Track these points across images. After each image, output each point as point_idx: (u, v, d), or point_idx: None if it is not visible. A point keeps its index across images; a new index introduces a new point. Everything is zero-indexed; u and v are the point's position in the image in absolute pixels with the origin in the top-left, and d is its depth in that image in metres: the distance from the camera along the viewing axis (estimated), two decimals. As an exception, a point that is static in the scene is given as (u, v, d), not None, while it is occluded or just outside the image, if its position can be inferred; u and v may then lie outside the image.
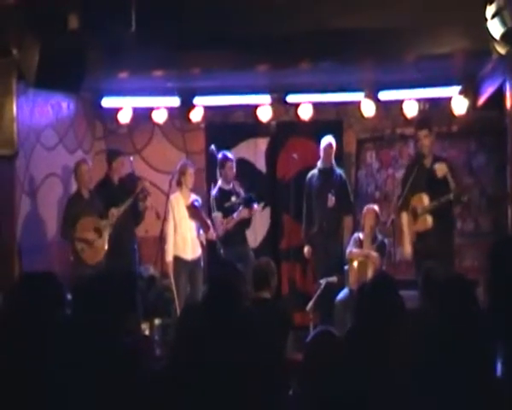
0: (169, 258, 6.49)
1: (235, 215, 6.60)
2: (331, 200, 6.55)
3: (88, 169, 6.39)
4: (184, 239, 6.53)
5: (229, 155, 6.78)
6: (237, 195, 6.70)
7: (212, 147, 6.85)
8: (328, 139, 6.79)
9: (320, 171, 6.79)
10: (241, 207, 6.63)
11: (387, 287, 3.18)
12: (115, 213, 6.30)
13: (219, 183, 6.76)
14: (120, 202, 6.38)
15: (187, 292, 6.48)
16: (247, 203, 6.62)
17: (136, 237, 6.73)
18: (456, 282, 3.25)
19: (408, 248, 5.97)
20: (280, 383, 3.12)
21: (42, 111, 6.63)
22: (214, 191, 6.73)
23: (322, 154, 6.79)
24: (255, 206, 6.68)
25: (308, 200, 6.79)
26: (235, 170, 6.72)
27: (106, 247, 6.26)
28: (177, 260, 6.49)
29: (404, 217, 6.02)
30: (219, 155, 6.76)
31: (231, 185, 6.74)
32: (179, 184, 6.63)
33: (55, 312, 2.70)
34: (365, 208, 6.55)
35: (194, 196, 6.72)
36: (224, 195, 6.68)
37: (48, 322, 2.66)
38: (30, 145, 6.40)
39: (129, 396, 2.65)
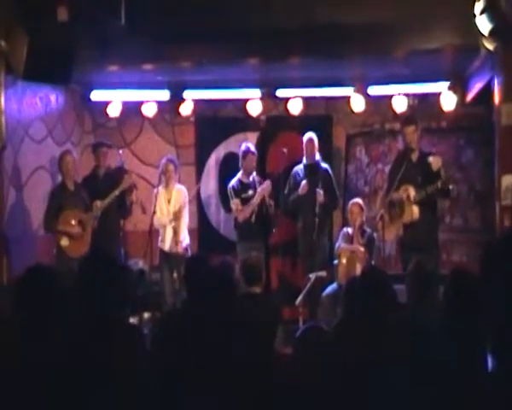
0: (166, 247, 6.55)
1: (250, 203, 6.63)
2: (319, 194, 6.55)
3: (73, 160, 6.34)
4: (164, 232, 6.58)
5: (252, 148, 6.82)
6: (255, 189, 6.71)
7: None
8: (308, 135, 6.78)
9: (305, 166, 6.79)
10: (254, 198, 6.65)
11: (378, 281, 3.19)
12: (99, 205, 6.27)
13: (239, 175, 6.79)
14: (105, 195, 6.34)
15: (175, 286, 6.47)
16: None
17: (121, 231, 6.60)
18: (460, 275, 3.27)
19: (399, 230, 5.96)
20: (269, 378, 3.13)
21: (30, 104, 6.59)
22: (233, 182, 6.76)
23: (304, 150, 6.80)
24: (264, 185, 6.62)
25: (290, 192, 6.77)
26: (255, 164, 6.77)
27: (90, 240, 6.22)
28: (160, 252, 6.60)
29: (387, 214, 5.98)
30: (242, 147, 6.78)
31: (251, 179, 6.76)
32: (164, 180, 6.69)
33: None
34: (350, 203, 6.54)
35: (179, 187, 6.70)
36: (242, 186, 6.73)
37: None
38: (18, 138, 6.36)
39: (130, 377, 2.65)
